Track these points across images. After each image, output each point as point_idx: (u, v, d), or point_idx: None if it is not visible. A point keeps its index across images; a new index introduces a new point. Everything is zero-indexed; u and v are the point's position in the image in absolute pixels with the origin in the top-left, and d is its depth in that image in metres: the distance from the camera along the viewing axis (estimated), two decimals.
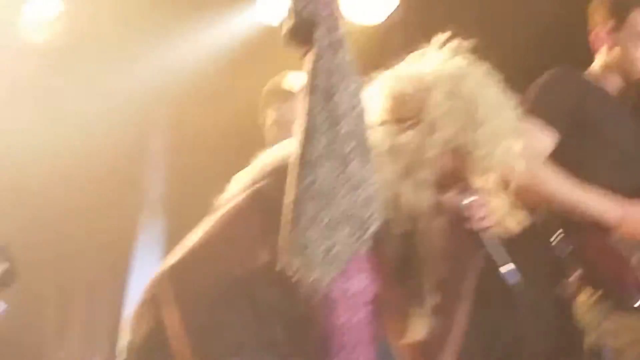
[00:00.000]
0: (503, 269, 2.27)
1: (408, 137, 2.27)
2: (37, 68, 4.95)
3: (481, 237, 2.26)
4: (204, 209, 2.45)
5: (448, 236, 2.32)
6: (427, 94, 2.29)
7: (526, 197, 3.06)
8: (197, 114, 5.13)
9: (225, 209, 2.30)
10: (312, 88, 2.01)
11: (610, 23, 3.44)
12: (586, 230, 3.27)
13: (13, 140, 4.74)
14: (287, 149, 2.25)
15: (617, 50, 3.44)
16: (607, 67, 3.46)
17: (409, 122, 2.29)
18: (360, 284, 2.19)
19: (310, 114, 2.00)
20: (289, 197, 2.04)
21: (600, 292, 3.31)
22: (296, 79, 3.90)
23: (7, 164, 4.65)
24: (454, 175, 2.30)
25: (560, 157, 3.28)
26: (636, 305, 3.26)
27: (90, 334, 5.39)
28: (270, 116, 3.88)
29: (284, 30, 2.12)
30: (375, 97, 2.35)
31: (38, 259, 4.41)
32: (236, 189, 2.36)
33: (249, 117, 4.18)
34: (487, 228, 2.25)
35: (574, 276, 3.32)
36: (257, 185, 2.27)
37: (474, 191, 2.31)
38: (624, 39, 3.44)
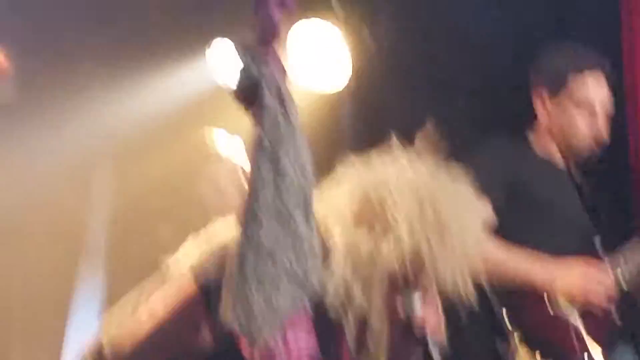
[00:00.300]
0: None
1: (365, 239, 2.29)
2: None
3: (424, 340, 2.26)
4: (145, 267, 2.46)
5: (393, 333, 2.31)
6: (390, 201, 2.31)
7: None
8: (142, 170, 5.12)
9: (171, 288, 2.31)
10: (258, 144, 2.02)
11: (549, 88, 3.48)
12: (525, 294, 3.28)
13: None
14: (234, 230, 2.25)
15: (555, 115, 3.46)
16: (545, 130, 3.49)
17: (369, 226, 2.31)
18: (301, 343, 2.20)
19: (256, 170, 2.01)
20: (235, 249, 2.03)
21: (540, 353, 3.29)
22: (219, 139, 3.92)
23: None
24: (406, 280, 2.30)
25: (498, 225, 3.15)
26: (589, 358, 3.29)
27: None
28: (205, 182, 3.95)
29: (232, 87, 2.11)
30: (339, 197, 2.39)
31: None
32: (182, 264, 2.36)
33: (194, 175, 4.21)
34: (430, 335, 2.26)
35: (514, 337, 3.30)
36: (203, 268, 2.28)
37: (423, 297, 2.31)
38: (562, 105, 3.47)
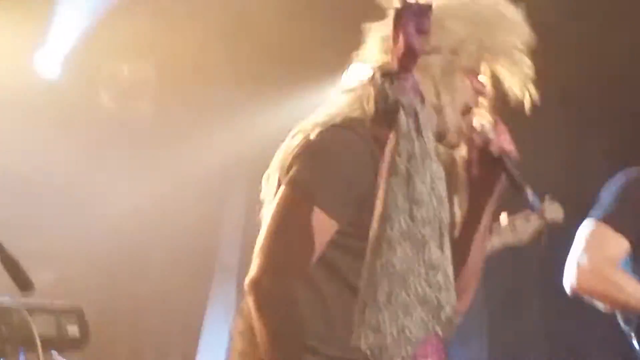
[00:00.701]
0: (527, 192, 2.22)
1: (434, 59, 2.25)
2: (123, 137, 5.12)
3: (504, 161, 2.21)
4: None
5: (473, 161, 2.29)
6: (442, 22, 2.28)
7: (603, 302, 3.14)
8: None
9: (274, 207, 2.23)
10: (393, 169, 1.99)
11: None
12: None
13: (90, 207, 4.86)
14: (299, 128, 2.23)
15: None
16: None
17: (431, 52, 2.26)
18: None
19: (391, 196, 1.99)
20: (364, 274, 2.00)
21: None
22: None
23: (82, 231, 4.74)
24: (475, 100, 2.29)
25: (636, 263, 3.22)
26: None
27: None
28: None
29: (371, 112, 2.12)
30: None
31: (112, 321, 4.42)
32: (270, 183, 2.31)
33: None
34: (509, 151, 2.20)
35: None
36: (291, 173, 2.20)
37: (494, 117, 2.30)
38: None
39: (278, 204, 2.14)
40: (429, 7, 2.08)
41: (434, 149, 2.10)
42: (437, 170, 2.05)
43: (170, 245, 4.78)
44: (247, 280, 2.10)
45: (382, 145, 2.16)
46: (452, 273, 2.05)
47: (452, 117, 2.23)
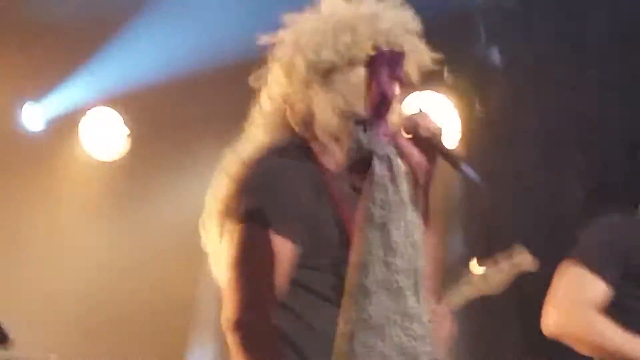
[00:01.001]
0: (462, 166, 2.21)
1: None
2: (108, 188, 5.12)
3: (434, 140, 2.21)
4: None
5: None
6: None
7: (582, 347, 3.05)
8: None
9: (233, 244, 2.18)
10: (367, 217, 1.99)
11: None
12: None
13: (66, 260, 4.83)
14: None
15: None
16: None
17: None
18: None
19: (365, 244, 1.98)
20: (342, 324, 1.97)
21: None
22: None
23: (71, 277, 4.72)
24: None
25: (615, 307, 3.19)
26: None
27: None
28: None
29: (347, 161, 2.09)
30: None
31: None
32: (208, 228, 2.27)
33: None
34: (436, 130, 2.20)
35: None
36: (240, 209, 2.16)
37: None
38: None
39: (237, 240, 2.11)
40: (402, 55, 2.10)
41: (409, 196, 2.08)
42: (412, 217, 2.03)
43: (147, 298, 4.75)
44: (225, 321, 2.06)
45: (317, 161, 2.17)
46: (427, 321, 2.02)
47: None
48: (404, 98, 2.51)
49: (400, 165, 2.09)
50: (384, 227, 2.00)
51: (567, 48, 4.94)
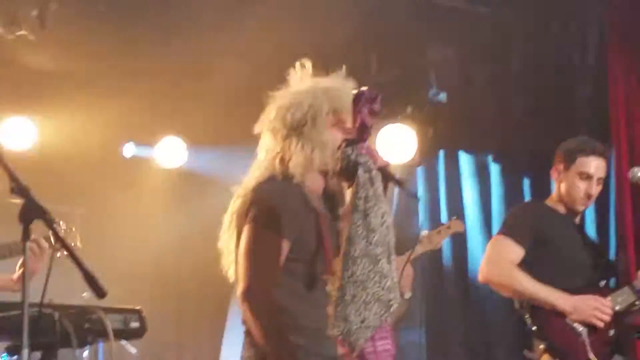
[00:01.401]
0: (406, 187, 2.26)
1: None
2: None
3: (386, 170, 2.12)
4: None
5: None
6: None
7: (504, 291, 3.08)
8: None
9: (245, 240, 2.16)
10: (355, 208, 1.98)
11: (562, 165, 3.23)
12: (547, 315, 3.07)
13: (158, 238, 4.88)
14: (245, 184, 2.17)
15: (564, 186, 3.15)
16: (558, 197, 3.20)
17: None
18: (385, 347, 2.18)
19: (353, 226, 1.98)
20: (335, 283, 1.99)
21: (552, 354, 3.08)
22: None
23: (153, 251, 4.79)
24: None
25: (528, 264, 3.11)
26: None
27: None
28: None
29: (337, 169, 2.07)
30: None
31: (162, 319, 4.34)
32: (230, 229, 2.23)
33: None
34: (385, 164, 2.12)
35: (539, 347, 3.12)
36: (250, 215, 2.12)
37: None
38: (570, 178, 3.13)
39: (248, 237, 2.10)
40: (378, 94, 2.08)
41: (383, 193, 2.05)
42: (386, 208, 2.02)
43: (200, 268, 4.62)
44: (239, 293, 2.05)
45: (310, 190, 2.14)
46: (395, 277, 2.02)
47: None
48: (379, 128, 2.49)
49: (375, 171, 2.06)
50: (365, 214, 1.98)
51: (493, 89, 4.67)
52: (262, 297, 2.06)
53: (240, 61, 4.50)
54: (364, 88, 2.16)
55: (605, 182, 3.37)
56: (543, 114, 4.38)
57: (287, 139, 2.14)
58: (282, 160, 2.17)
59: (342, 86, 2.23)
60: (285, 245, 2.12)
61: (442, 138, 4.99)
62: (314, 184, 2.17)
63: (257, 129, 2.25)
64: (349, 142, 2.07)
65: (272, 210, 2.10)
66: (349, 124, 2.13)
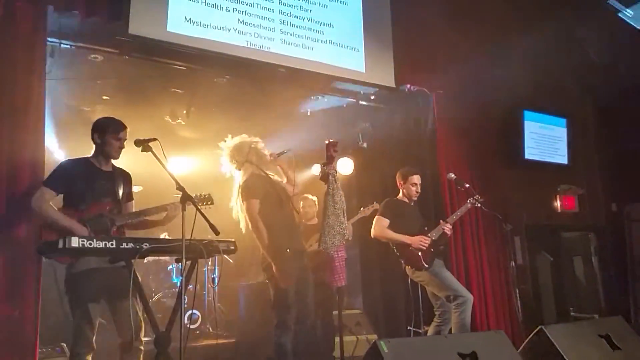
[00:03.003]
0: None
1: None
2: None
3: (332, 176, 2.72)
4: None
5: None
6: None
7: (383, 240, 4.23)
8: None
9: (246, 212, 3.10)
10: (327, 193, 2.98)
11: (402, 180, 4.44)
12: (402, 246, 4.32)
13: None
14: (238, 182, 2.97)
15: (405, 190, 4.45)
16: (403, 195, 4.47)
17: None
18: (341, 254, 3.72)
19: (326, 201, 2.98)
20: (321, 224, 3.00)
21: (407, 263, 4.40)
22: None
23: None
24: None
25: (391, 225, 4.31)
26: (425, 268, 4.33)
27: None
28: (301, 206, 5.19)
29: (319, 175, 2.99)
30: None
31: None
32: (237, 203, 3.11)
33: None
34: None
35: (402, 262, 4.41)
36: (242, 196, 2.95)
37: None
38: (407, 186, 4.42)
39: (247, 209, 3.08)
40: (336, 142, 3.04)
41: (339, 187, 2.97)
42: (341, 195, 3.02)
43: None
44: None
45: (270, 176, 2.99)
46: (345, 223, 2.97)
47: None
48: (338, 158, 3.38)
49: (337, 177, 2.98)
50: (332, 195, 2.95)
51: (402, 134, 5.83)
52: (263, 233, 3.05)
53: None
54: (331, 140, 3.06)
55: (428, 182, 4.53)
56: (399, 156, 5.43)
57: (240, 163, 3.02)
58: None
59: (258, 143, 3.11)
60: (259, 203, 3.12)
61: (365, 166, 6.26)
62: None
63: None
64: (325, 164, 2.96)
65: (251, 189, 3.13)
66: (336, 149, 2.76)
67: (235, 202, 3.45)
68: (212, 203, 3.52)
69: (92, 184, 3.25)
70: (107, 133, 3.34)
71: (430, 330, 4.26)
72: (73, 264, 3.15)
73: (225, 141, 3.58)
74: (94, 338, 3.11)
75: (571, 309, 6.36)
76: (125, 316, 3.06)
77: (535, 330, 3.58)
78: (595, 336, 3.73)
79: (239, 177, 3.52)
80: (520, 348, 3.56)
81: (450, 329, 4.17)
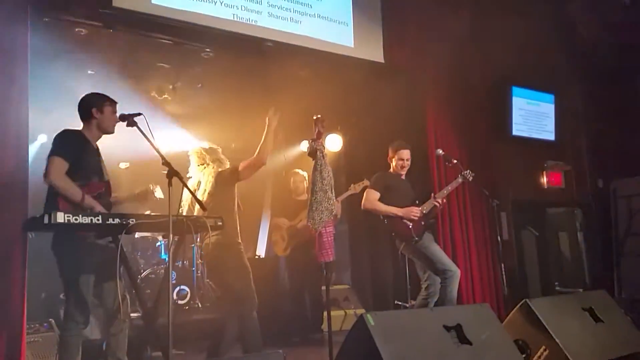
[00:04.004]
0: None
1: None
2: None
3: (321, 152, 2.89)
4: None
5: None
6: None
7: (374, 212, 4.34)
8: None
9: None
10: (315, 169, 3.05)
11: (392, 153, 4.48)
12: (392, 218, 4.40)
13: None
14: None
15: (393, 164, 4.53)
16: (394, 169, 4.55)
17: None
18: (329, 230, 3.19)
19: (314, 177, 3.04)
20: (309, 200, 3.03)
21: (397, 236, 4.46)
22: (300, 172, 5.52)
23: None
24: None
25: (382, 198, 4.40)
26: (415, 241, 4.41)
27: None
28: (291, 182, 5.54)
29: (307, 151, 3.07)
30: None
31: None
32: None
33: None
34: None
35: (392, 234, 4.48)
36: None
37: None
38: (396, 160, 4.47)
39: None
40: (324, 118, 3.07)
41: (327, 163, 3.05)
42: (329, 171, 3.10)
43: None
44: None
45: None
46: (334, 199, 3.04)
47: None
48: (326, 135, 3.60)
49: (324, 152, 3.06)
50: (320, 171, 3.03)
51: (391, 110, 5.78)
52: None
53: None
54: (319, 115, 3.08)
55: (417, 158, 4.52)
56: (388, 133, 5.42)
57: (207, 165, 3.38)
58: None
59: (218, 152, 3.41)
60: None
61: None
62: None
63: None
64: (313, 139, 3.02)
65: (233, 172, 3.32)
66: (324, 125, 2.82)
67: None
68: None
69: (90, 159, 3.20)
70: (105, 107, 3.28)
71: (417, 303, 4.32)
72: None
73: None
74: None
75: (556, 283, 6.45)
76: (110, 290, 3.07)
77: (519, 304, 3.62)
78: (578, 309, 3.79)
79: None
80: (505, 321, 3.60)
81: (437, 303, 4.22)
